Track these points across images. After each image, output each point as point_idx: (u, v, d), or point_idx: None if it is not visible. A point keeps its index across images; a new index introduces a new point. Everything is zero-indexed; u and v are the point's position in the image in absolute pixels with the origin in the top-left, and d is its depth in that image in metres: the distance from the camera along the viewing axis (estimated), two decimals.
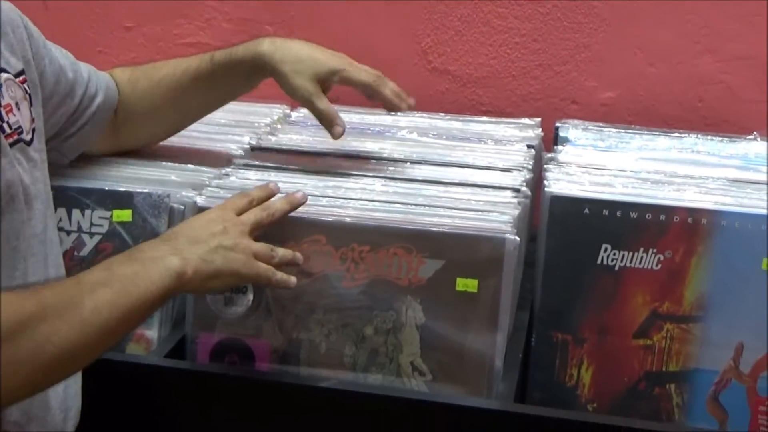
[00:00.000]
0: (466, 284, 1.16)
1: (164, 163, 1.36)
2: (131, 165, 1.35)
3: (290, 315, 1.20)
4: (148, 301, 1.01)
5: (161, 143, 1.41)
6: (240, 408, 1.16)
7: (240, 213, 1.15)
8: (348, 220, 1.19)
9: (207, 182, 1.29)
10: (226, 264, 1.09)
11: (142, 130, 1.36)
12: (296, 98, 1.28)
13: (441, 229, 1.17)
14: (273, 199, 1.19)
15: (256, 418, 1.15)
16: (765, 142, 1.43)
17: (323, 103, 1.27)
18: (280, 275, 1.15)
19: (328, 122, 1.27)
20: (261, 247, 1.14)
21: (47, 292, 0.93)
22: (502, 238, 1.16)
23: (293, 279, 1.16)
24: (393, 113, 1.34)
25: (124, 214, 1.27)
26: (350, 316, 1.19)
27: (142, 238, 1.26)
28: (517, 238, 1.16)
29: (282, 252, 1.16)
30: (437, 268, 1.17)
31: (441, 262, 1.16)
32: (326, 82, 1.28)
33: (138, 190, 1.28)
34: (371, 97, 1.30)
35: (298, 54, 1.27)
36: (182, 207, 1.27)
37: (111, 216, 1.27)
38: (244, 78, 1.32)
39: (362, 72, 1.29)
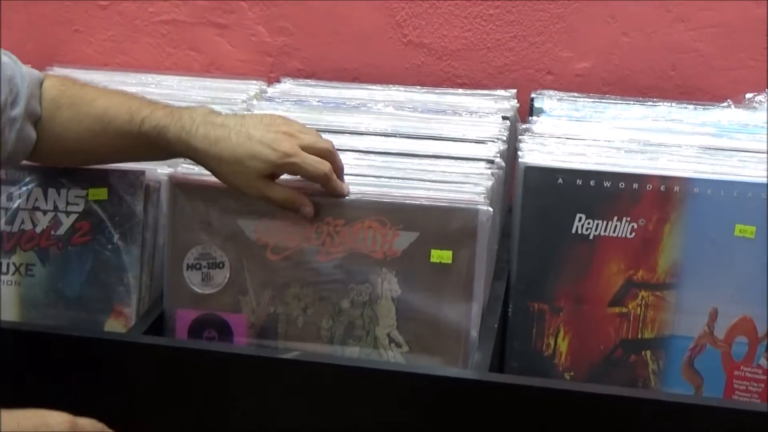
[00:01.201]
0: (441, 255, 1.17)
1: None
2: None
3: (267, 290, 1.21)
4: None
5: None
6: (219, 383, 1.17)
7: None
8: (322, 194, 1.19)
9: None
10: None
11: (54, 154, 1.24)
12: (245, 195, 1.17)
13: (414, 202, 1.18)
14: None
15: (235, 392, 1.16)
16: (738, 110, 1.44)
17: (277, 193, 1.16)
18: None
19: (293, 209, 1.17)
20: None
21: None
22: (475, 209, 1.16)
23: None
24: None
25: (100, 193, 1.27)
26: (326, 290, 1.20)
27: (118, 217, 1.27)
28: (490, 209, 1.17)
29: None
30: (412, 241, 1.17)
31: (415, 234, 1.17)
32: (273, 173, 1.17)
33: (113, 168, 1.28)
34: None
35: (235, 151, 1.14)
36: (158, 184, 1.27)
37: (87, 194, 1.27)
38: (168, 156, 1.22)
39: (312, 166, 1.16)
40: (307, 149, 1.16)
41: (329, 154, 1.18)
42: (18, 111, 1.17)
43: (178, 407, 1.17)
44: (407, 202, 1.18)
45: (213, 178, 1.19)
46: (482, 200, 1.18)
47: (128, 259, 1.27)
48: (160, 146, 1.18)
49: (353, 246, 1.18)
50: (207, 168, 1.17)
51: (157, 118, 1.17)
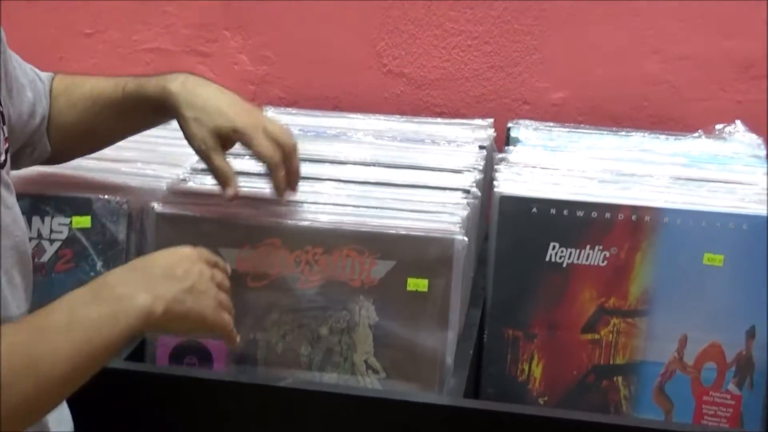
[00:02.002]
0: (417, 284, 1.19)
1: (123, 168, 1.39)
2: (89, 171, 1.37)
3: (247, 316, 1.23)
4: (111, 347, 0.93)
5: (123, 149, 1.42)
6: (200, 409, 1.19)
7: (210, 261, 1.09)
8: (302, 222, 1.22)
9: (165, 188, 1.32)
10: (197, 307, 1.02)
11: (60, 144, 1.27)
12: (193, 147, 1.19)
13: (392, 231, 1.20)
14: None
15: (216, 418, 1.18)
16: (709, 140, 1.48)
17: (219, 159, 1.17)
18: (234, 331, 1.10)
19: (222, 181, 1.18)
20: (225, 298, 1.08)
21: (3, 347, 0.86)
22: (450, 239, 1.19)
23: (238, 338, 1.11)
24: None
25: (84, 221, 1.29)
26: (306, 317, 1.23)
27: (101, 245, 1.29)
28: (466, 239, 1.20)
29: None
30: (389, 269, 1.20)
31: (392, 263, 1.20)
32: (227, 139, 1.18)
33: (97, 197, 1.30)
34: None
35: (206, 102, 1.17)
36: (140, 212, 1.29)
37: (70, 222, 1.29)
38: (151, 114, 1.25)
39: (264, 145, 1.17)
40: (268, 133, 1.18)
41: (288, 152, 1.19)
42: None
43: None
44: (384, 231, 1.20)
45: (196, 210, 1.23)
46: (458, 230, 1.20)
47: None
48: (143, 101, 1.21)
49: (332, 274, 1.21)
50: (173, 111, 1.18)
51: (138, 79, 1.22)
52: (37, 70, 1.25)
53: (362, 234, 1.20)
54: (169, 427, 1.19)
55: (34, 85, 1.21)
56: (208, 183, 1.32)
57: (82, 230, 1.29)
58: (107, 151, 1.40)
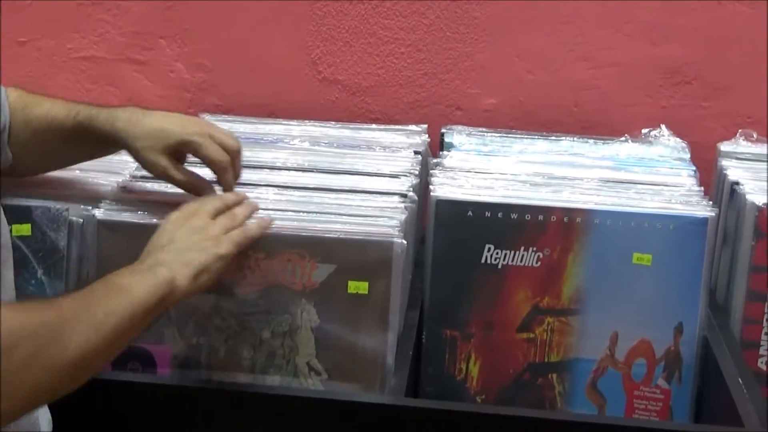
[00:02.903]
0: (358, 287, 1.22)
1: (62, 176, 1.38)
2: (29, 178, 1.37)
3: (190, 321, 1.25)
4: (148, 308, 1.04)
5: None
6: (143, 413, 1.20)
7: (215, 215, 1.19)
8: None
9: (105, 195, 1.32)
10: (204, 254, 1.13)
11: (22, 159, 1.29)
12: (153, 174, 1.25)
13: (332, 235, 1.22)
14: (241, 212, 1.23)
15: (159, 423, 1.19)
16: (635, 144, 1.53)
17: (180, 174, 1.24)
18: (255, 226, 1.21)
19: (198, 191, 1.25)
20: (222, 220, 1.18)
21: (62, 301, 0.96)
22: (390, 242, 1.22)
23: (267, 220, 1.23)
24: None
25: (24, 228, 1.29)
26: (248, 321, 1.24)
27: (42, 252, 1.29)
28: (404, 242, 1.22)
29: (239, 210, 1.21)
30: (329, 272, 1.22)
31: (333, 267, 1.22)
32: (179, 152, 1.24)
33: (36, 204, 1.30)
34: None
35: (149, 128, 1.23)
36: (81, 220, 1.30)
37: (10, 230, 1.29)
38: (101, 146, 1.29)
39: (213, 150, 1.23)
40: (215, 139, 1.23)
41: (234, 153, 1.25)
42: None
43: None
44: (325, 235, 1.22)
45: (138, 217, 1.24)
46: (397, 233, 1.23)
47: (52, 294, 1.29)
48: (92, 133, 1.25)
49: (273, 278, 1.23)
50: (125, 146, 1.24)
51: (90, 109, 1.26)
52: None
53: (303, 239, 1.22)
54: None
55: None
56: (148, 188, 1.33)
57: (23, 238, 1.29)
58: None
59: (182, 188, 1.25)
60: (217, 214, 1.19)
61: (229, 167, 1.24)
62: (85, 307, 0.97)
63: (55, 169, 1.36)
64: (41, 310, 0.93)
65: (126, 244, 1.23)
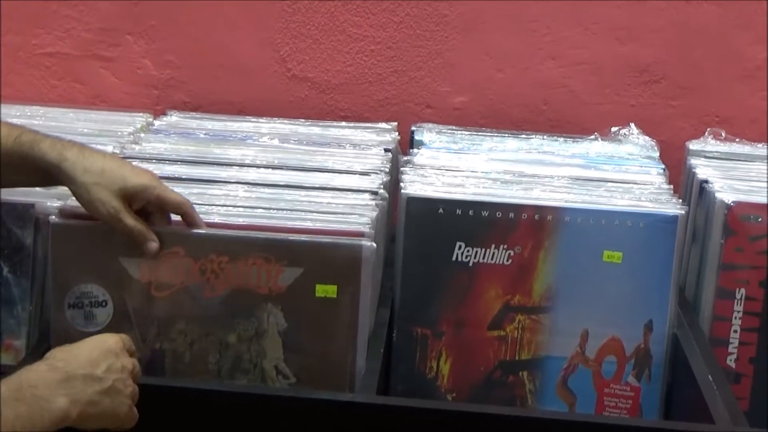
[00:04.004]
0: (326, 290, 1.19)
1: None
2: None
3: (152, 326, 1.22)
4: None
5: None
6: None
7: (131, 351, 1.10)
8: (206, 231, 1.20)
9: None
10: (112, 409, 1.04)
11: None
12: (98, 212, 1.16)
13: (298, 238, 1.20)
14: None
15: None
16: (605, 142, 1.53)
17: (130, 219, 1.17)
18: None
19: (139, 240, 1.18)
20: (136, 391, 1.08)
21: None
22: (358, 245, 1.19)
23: None
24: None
25: None
26: (212, 326, 1.22)
27: (7, 250, 1.27)
28: (374, 244, 1.20)
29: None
30: (296, 276, 1.19)
31: (300, 270, 1.19)
32: (133, 198, 1.17)
33: (3, 201, 1.28)
34: (182, 216, 1.21)
35: (104, 166, 1.16)
36: (47, 217, 1.27)
37: None
38: (38, 174, 1.18)
39: (173, 192, 1.20)
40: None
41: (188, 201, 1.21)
42: None
43: None
44: (291, 238, 1.20)
45: (94, 220, 1.19)
46: (366, 235, 1.21)
47: (18, 292, 1.27)
48: (34, 157, 1.16)
49: (238, 282, 1.20)
50: (71, 182, 1.16)
51: (34, 134, 1.18)
52: None
53: (268, 242, 1.19)
54: None
55: None
56: None
57: None
58: None
59: (128, 236, 1.17)
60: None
61: (192, 207, 1.21)
62: None
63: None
64: None
65: (83, 248, 1.20)
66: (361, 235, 1.21)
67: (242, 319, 1.21)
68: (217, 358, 1.23)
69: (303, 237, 1.20)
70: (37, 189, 1.31)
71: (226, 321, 1.22)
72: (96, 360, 1.04)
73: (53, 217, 1.22)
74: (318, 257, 1.19)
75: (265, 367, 1.23)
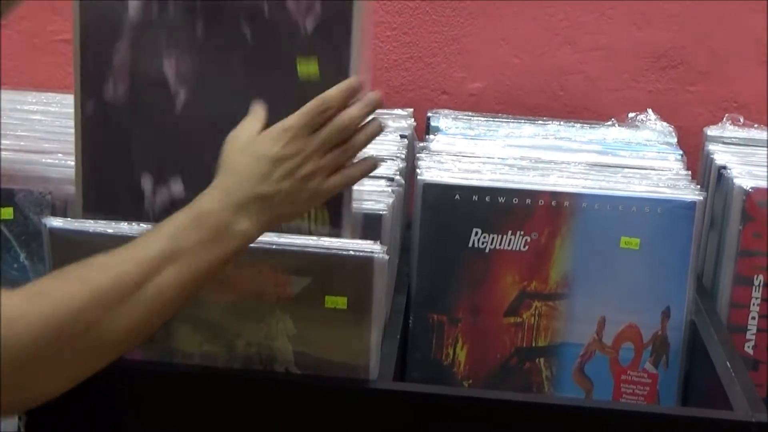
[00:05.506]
0: (336, 302, 1.15)
1: (44, 159, 1.37)
2: (10, 162, 1.35)
3: (161, 327, 1.15)
4: (213, 271, 0.99)
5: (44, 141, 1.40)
6: (124, 398, 1.19)
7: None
8: None
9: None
10: (295, 210, 1.05)
11: None
12: None
13: (306, 249, 1.14)
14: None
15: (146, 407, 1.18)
16: (622, 128, 1.52)
17: None
18: (358, 171, 1.09)
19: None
20: (330, 158, 1.04)
21: (101, 278, 0.92)
22: (370, 258, 1.13)
23: (371, 161, 1.10)
24: None
25: (6, 212, 1.28)
26: (221, 329, 1.19)
27: (24, 236, 1.28)
28: (386, 257, 1.14)
29: (357, 140, 1.07)
30: (305, 285, 1.15)
31: (308, 279, 1.15)
32: None
33: (19, 188, 1.28)
34: None
35: None
36: (64, 203, 1.28)
37: None
38: None
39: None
40: None
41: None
42: None
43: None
44: (299, 249, 1.14)
45: (93, 225, 1.15)
46: (378, 248, 1.14)
47: (35, 278, 1.27)
48: None
49: (246, 289, 1.17)
50: None
51: None
52: None
53: (275, 251, 1.14)
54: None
55: None
56: None
57: (5, 222, 1.28)
58: (28, 143, 1.40)
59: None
60: (331, 143, 1.05)
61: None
62: (130, 286, 0.93)
63: None
64: (70, 292, 0.90)
65: (82, 256, 1.05)
66: (372, 248, 1.15)
67: (251, 323, 1.19)
68: (227, 360, 1.21)
69: (311, 246, 1.14)
70: (53, 175, 1.31)
71: (234, 325, 1.19)
72: (267, 168, 1.01)
73: (50, 222, 1.17)
74: (327, 268, 1.14)
75: (275, 369, 1.20)
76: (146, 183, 1.15)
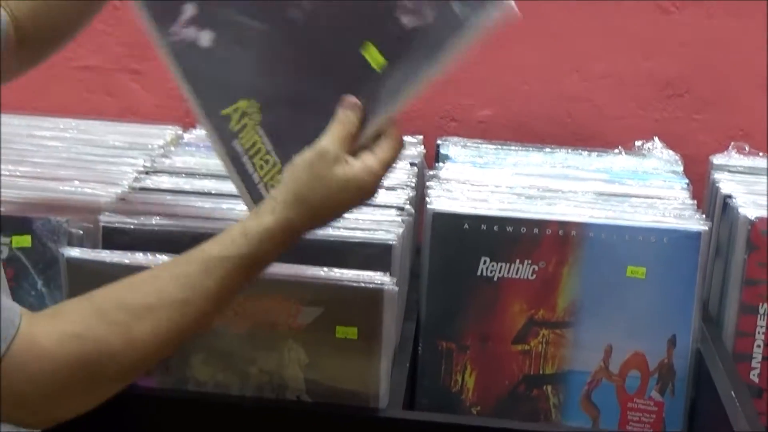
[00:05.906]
0: (346, 332, 1.18)
1: (61, 187, 1.39)
2: (28, 190, 1.37)
3: (175, 355, 1.20)
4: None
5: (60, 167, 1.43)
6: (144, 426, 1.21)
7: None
8: None
9: (105, 207, 1.32)
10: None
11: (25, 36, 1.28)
12: None
13: (318, 280, 1.17)
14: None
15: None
16: (629, 156, 1.54)
17: None
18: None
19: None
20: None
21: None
22: (380, 289, 1.16)
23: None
24: None
25: (24, 240, 1.30)
26: (234, 357, 1.21)
27: (42, 264, 1.30)
28: (396, 288, 1.17)
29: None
30: (316, 315, 1.18)
31: (320, 310, 1.18)
32: None
33: (36, 216, 1.30)
34: None
35: None
36: (80, 232, 1.30)
37: (10, 242, 1.30)
38: None
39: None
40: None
41: None
42: None
43: None
44: (310, 280, 1.17)
45: (110, 255, 1.18)
46: (387, 279, 1.17)
47: (52, 305, 1.29)
48: None
49: (257, 319, 1.19)
50: None
51: None
52: None
53: (287, 282, 1.17)
54: None
55: None
56: (148, 201, 1.33)
57: (23, 249, 1.30)
58: (44, 170, 1.42)
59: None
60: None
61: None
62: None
63: (61, 38, 1.35)
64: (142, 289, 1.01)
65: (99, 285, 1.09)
66: (383, 279, 1.18)
67: (264, 352, 1.21)
68: (240, 388, 1.23)
69: (323, 278, 1.17)
70: (70, 203, 1.34)
71: (247, 353, 1.21)
72: (341, 203, 1.07)
73: (67, 251, 1.20)
74: (338, 299, 1.17)
75: (288, 397, 1.22)
76: None
